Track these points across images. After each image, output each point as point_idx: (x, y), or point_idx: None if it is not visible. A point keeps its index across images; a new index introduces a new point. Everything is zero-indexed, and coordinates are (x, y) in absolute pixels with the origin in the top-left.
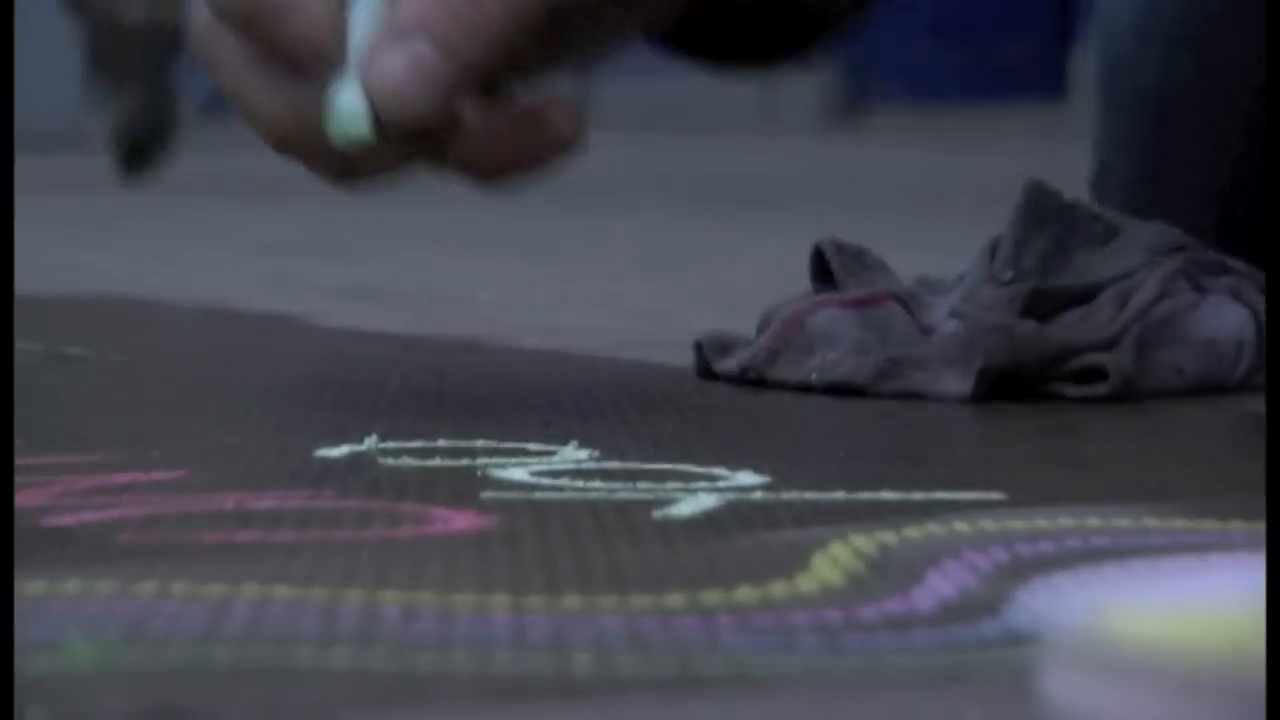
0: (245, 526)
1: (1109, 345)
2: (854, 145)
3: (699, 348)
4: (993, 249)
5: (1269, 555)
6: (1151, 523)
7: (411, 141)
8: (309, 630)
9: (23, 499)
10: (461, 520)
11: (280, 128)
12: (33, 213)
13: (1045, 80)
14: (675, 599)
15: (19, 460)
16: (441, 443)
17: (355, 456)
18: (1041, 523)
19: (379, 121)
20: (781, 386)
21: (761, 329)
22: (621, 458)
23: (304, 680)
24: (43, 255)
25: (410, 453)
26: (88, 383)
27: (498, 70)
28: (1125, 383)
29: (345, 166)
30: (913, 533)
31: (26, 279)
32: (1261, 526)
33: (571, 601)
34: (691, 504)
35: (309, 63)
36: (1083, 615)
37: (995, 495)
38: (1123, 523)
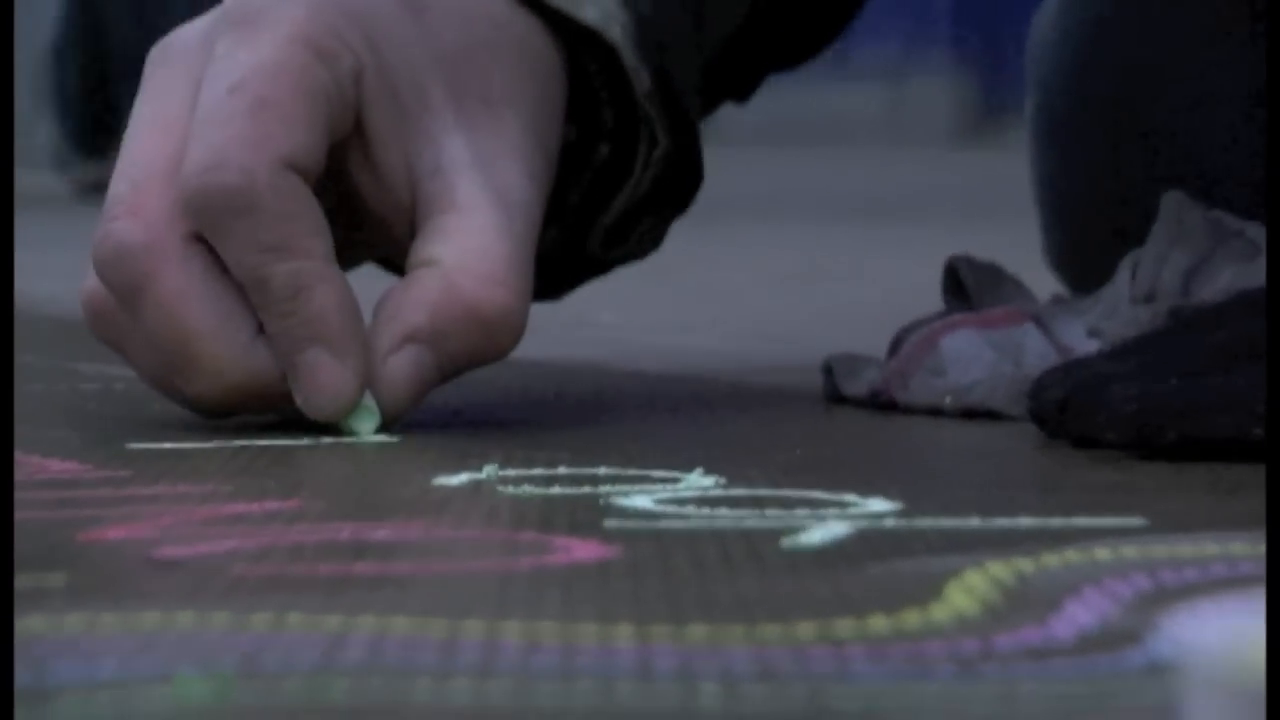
0: (361, 558)
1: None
2: (989, 157)
3: (828, 370)
4: (1133, 265)
5: (1269, 556)
6: None
7: None
8: (427, 663)
9: (134, 530)
10: (583, 549)
11: (229, 378)
12: None
13: None
14: (805, 629)
15: (131, 491)
16: (562, 470)
17: (474, 485)
18: (1185, 549)
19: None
20: (913, 410)
21: (893, 350)
22: (748, 484)
23: (422, 714)
24: None
25: (530, 480)
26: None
27: None
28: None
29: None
30: (1051, 560)
31: None
32: None
33: (698, 632)
34: (821, 532)
35: (325, 404)
36: (1228, 644)
37: (1136, 521)
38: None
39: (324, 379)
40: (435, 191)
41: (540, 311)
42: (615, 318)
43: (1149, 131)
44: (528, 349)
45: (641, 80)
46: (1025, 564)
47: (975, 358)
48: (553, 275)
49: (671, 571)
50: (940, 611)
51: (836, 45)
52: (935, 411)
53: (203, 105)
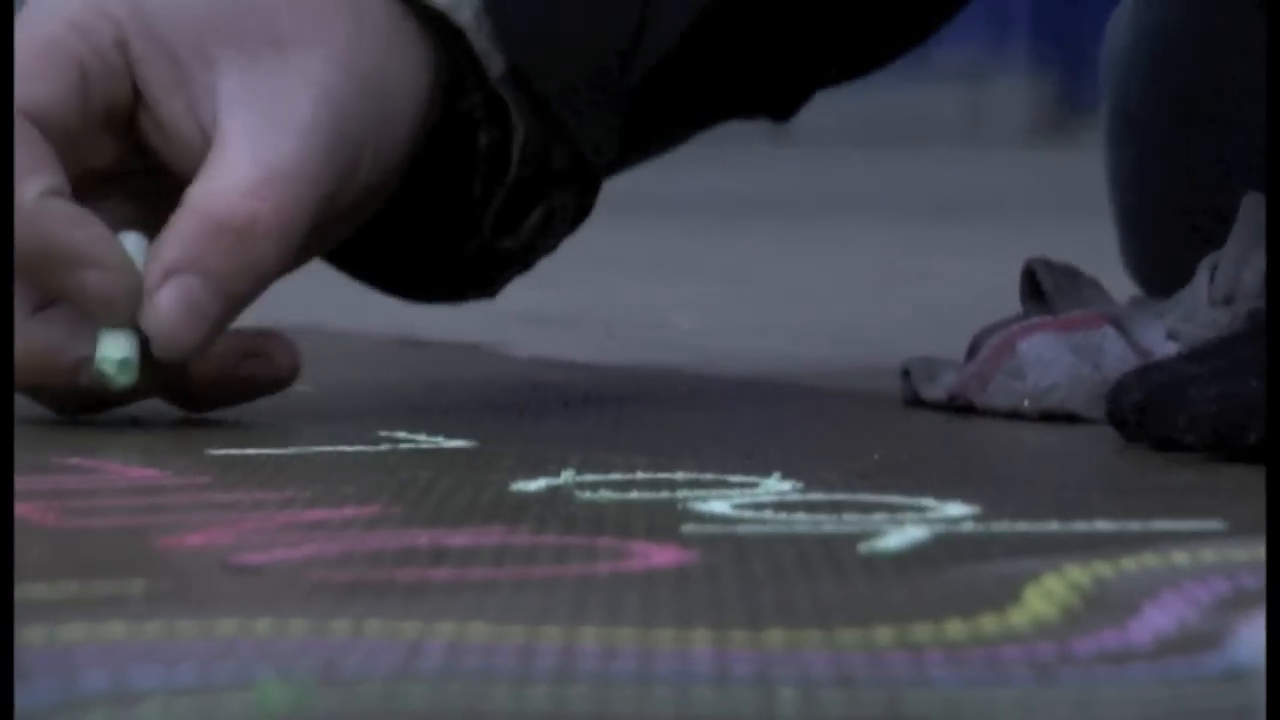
0: (439, 564)
1: None
2: (1068, 156)
3: (906, 374)
4: (1212, 267)
5: (1269, 556)
6: None
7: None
8: (505, 669)
9: (213, 537)
10: (661, 555)
11: (26, 366)
12: None
13: None
14: (882, 634)
15: (210, 497)
16: (640, 475)
17: (552, 490)
18: (1264, 552)
19: (148, 358)
20: (992, 413)
21: (971, 353)
22: (826, 489)
23: None
24: None
25: (608, 485)
26: (275, 417)
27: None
28: None
29: (81, 402)
30: (1129, 563)
31: None
32: None
33: (775, 637)
34: (899, 536)
35: (100, 313)
36: None
37: (1215, 524)
38: None
39: (95, 287)
40: (214, 136)
41: (618, 317)
42: (693, 322)
43: (1226, 133)
44: (606, 353)
45: (494, 64)
46: (1103, 568)
47: (1054, 361)
48: (481, 270)
49: (749, 577)
50: (1018, 616)
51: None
52: (1014, 415)
53: None
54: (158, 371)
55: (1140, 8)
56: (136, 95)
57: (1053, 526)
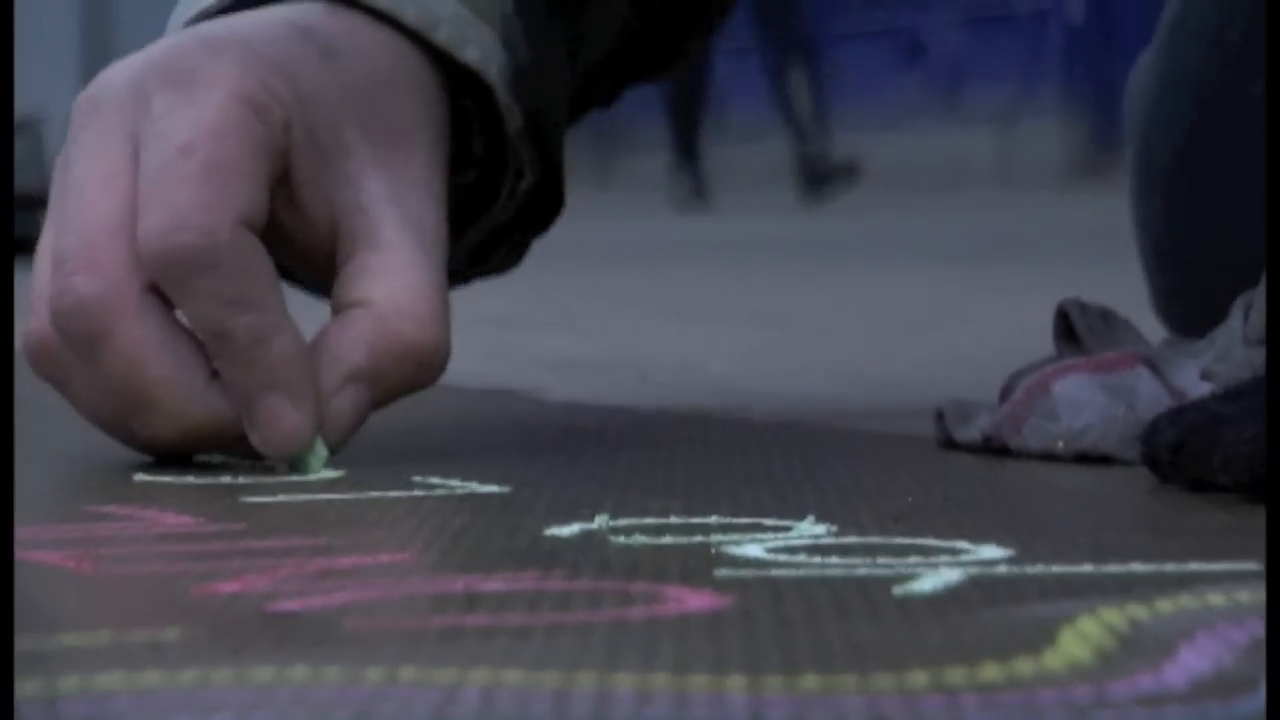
0: (474, 609)
1: None
2: (1101, 197)
3: (940, 416)
4: (1246, 307)
5: (1269, 557)
6: None
7: None
8: (540, 715)
9: (247, 584)
10: (696, 599)
11: (187, 420)
12: None
13: None
14: (918, 677)
15: (245, 544)
16: (674, 519)
17: (586, 535)
18: None
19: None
20: (1026, 455)
21: (1005, 395)
22: (860, 532)
23: None
24: None
25: (642, 530)
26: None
27: None
28: None
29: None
30: (1164, 605)
31: None
32: None
33: (810, 682)
34: (933, 579)
35: (278, 449)
36: None
37: (1251, 565)
38: None
39: (283, 423)
40: (356, 229)
41: (651, 361)
42: (726, 366)
43: (1251, 173)
44: (639, 397)
45: (514, 118)
46: (1138, 610)
47: (1088, 402)
48: None
49: (783, 621)
50: (1053, 659)
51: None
52: (1048, 456)
53: (152, 166)
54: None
55: (1163, 54)
56: (284, 174)
57: (1087, 569)
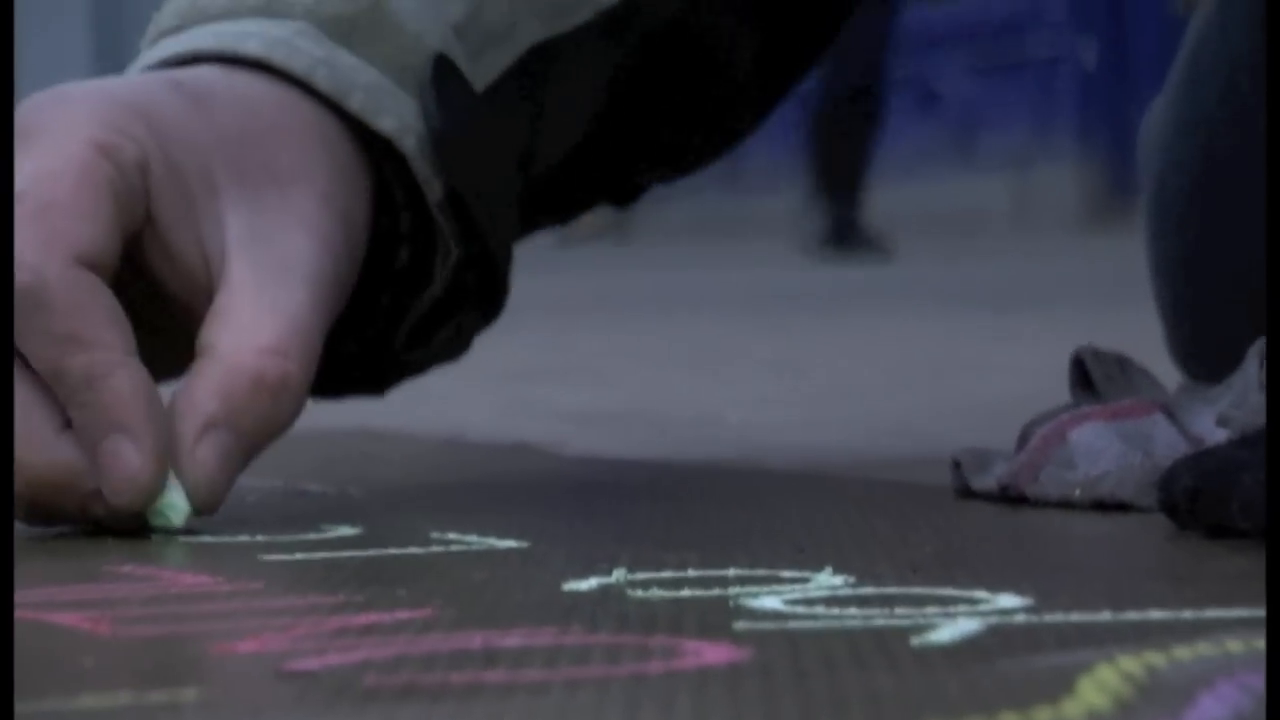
0: (492, 665)
1: None
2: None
3: (956, 465)
4: (1261, 352)
5: (1269, 561)
6: None
7: None
8: None
9: (266, 643)
10: (714, 653)
11: (35, 471)
12: None
13: None
14: None
15: (262, 603)
16: (691, 572)
17: (603, 589)
18: None
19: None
20: (1043, 503)
21: (1021, 443)
22: (878, 583)
23: None
24: None
25: (660, 583)
26: (326, 520)
27: None
28: None
29: (47, 516)
30: (1183, 653)
31: None
32: None
33: None
34: (951, 629)
35: (122, 491)
36: None
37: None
38: None
39: (123, 465)
40: (217, 271)
41: (667, 412)
42: (742, 417)
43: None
44: (655, 449)
45: (433, 190)
46: (1157, 657)
47: (1104, 449)
48: (372, 372)
49: (802, 673)
50: (1072, 707)
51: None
52: (1065, 504)
53: None
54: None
55: (1176, 99)
56: (147, 218)
57: (1105, 617)
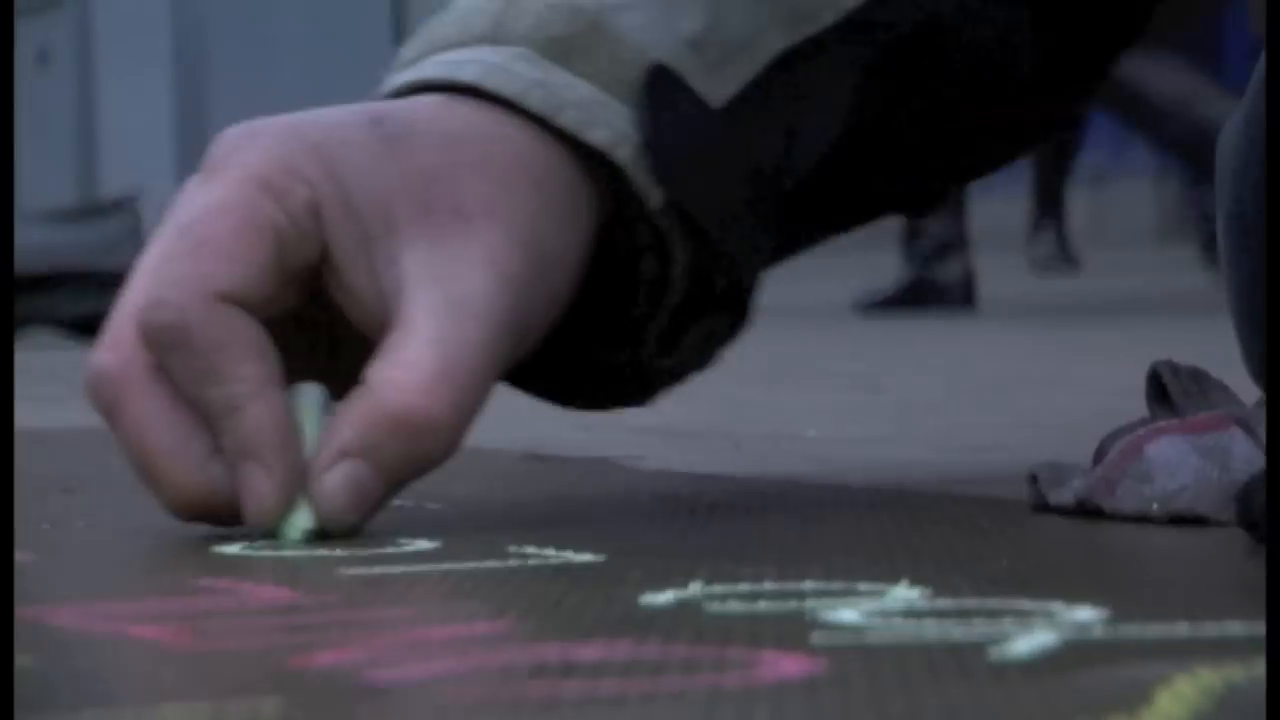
0: (569, 678)
1: None
2: (1193, 257)
3: (1033, 479)
4: None
5: (1269, 559)
6: None
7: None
8: None
9: (344, 655)
10: (791, 665)
11: (185, 491)
12: None
13: None
14: None
15: (341, 616)
16: (768, 585)
17: (680, 602)
18: None
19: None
20: (1120, 517)
21: (1098, 458)
22: (954, 596)
23: None
24: None
25: (736, 596)
26: (404, 533)
27: None
28: None
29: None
30: (1262, 666)
31: None
32: None
33: None
34: (1028, 642)
35: (252, 516)
36: None
37: None
38: None
39: (253, 491)
40: (392, 308)
41: (745, 427)
42: (819, 431)
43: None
44: (733, 464)
45: (654, 197)
46: (1235, 670)
47: (1181, 464)
48: (637, 382)
49: (878, 685)
50: None
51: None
52: (1143, 519)
53: (156, 247)
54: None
55: (1253, 115)
56: (323, 253)
57: (1183, 629)
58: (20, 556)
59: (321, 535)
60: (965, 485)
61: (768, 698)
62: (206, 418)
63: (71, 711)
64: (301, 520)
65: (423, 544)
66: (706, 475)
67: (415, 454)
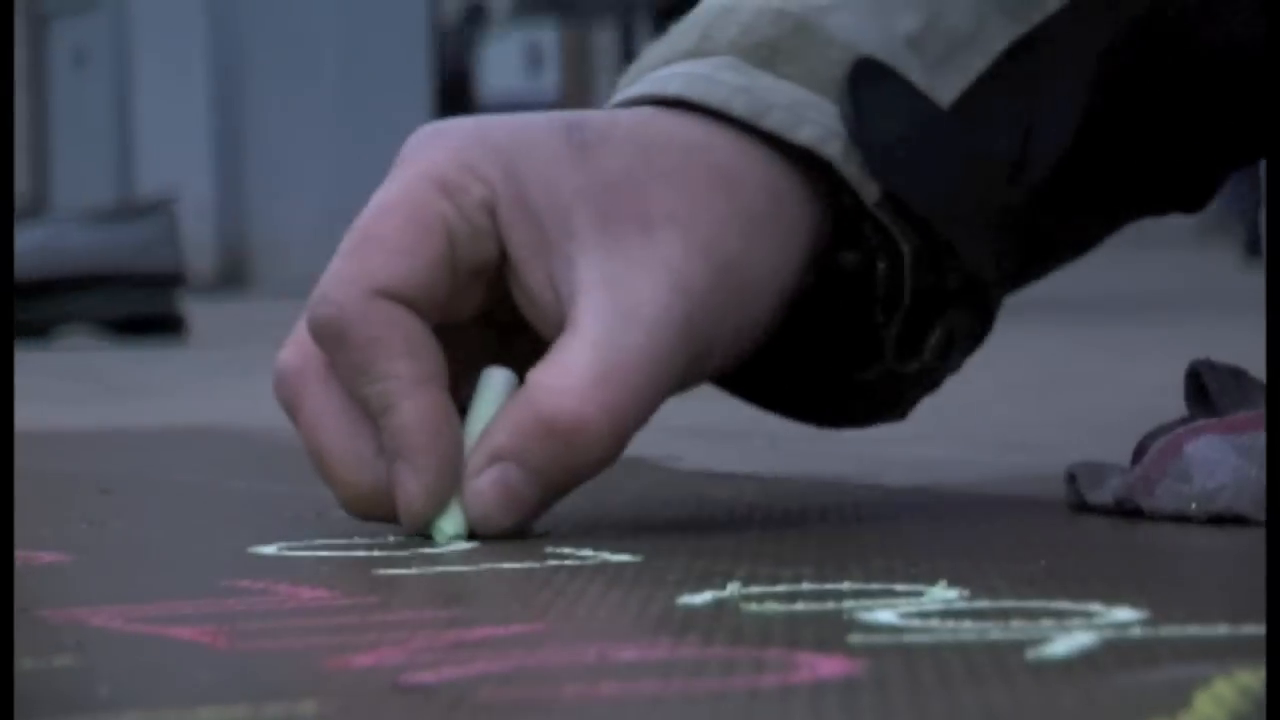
0: (607, 679)
1: None
2: (1232, 255)
3: (1072, 479)
4: None
5: (1269, 557)
6: None
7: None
8: None
9: (381, 657)
10: (828, 666)
11: (355, 489)
12: None
13: None
14: None
15: (378, 617)
16: (806, 586)
17: (718, 603)
18: None
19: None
20: (1159, 517)
21: (1137, 457)
22: (993, 596)
23: None
24: None
25: (774, 597)
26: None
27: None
28: None
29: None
30: None
31: None
32: None
33: None
34: (1066, 642)
35: (403, 514)
36: None
37: None
38: None
39: (402, 491)
40: (566, 312)
41: (781, 428)
42: (856, 431)
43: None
44: (770, 465)
45: (869, 192)
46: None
47: (1220, 463)
48: (888, 395)
49: (916, 686)
50: None
51: None
52: (1181, 518)
53: (342, 245)
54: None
55: None
56: (503, 253)
57: (1223, 630)
58: (58, 557)
59: (473, 538)
60: (1003, 485)
61: (805, 699)
62: (369, 415)
63: (110, 712)
64: (452, 524)
65: (460, 544)
66: (744, 475)
67: (567, 459)
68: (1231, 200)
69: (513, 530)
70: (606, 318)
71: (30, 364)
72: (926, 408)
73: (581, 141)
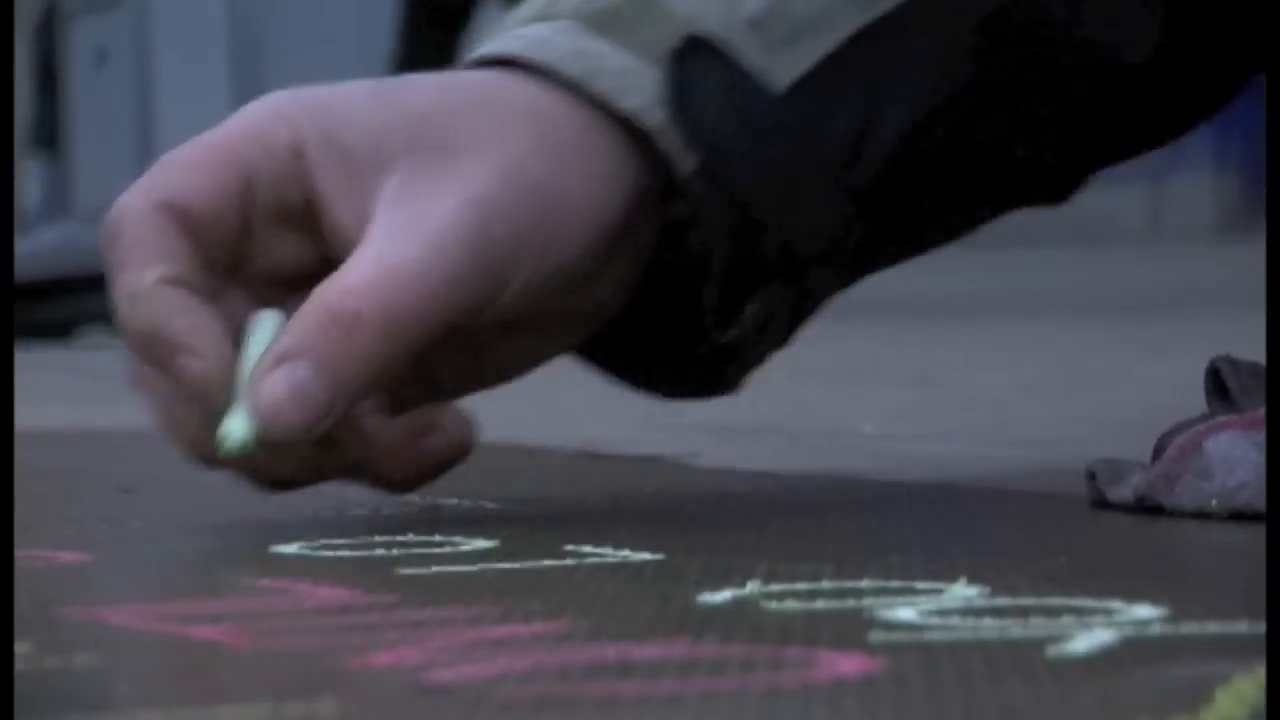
0: (627, 677)
1: None
2: (1253, 252)
3: (1092, 475)
4: None
5: (1269, 557)
6: None
7: (295, 453)
8: None
9: (402, 655)
10: (848, 663)
11: (200, 446)
12: None
13: None
14: None
15: (399, 616)
16: (825, 584)
17: (738, 601)
18: None
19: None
20: (1180, 514)
21: (1157, 454)
22: (1012, 594)
23: None
24: None
25: (794, 595)
26: (462, 533)
27: (401, 390)
28: None
29: (263, 476)
30: None
31: None
32: None
33: None
34: (1087, 640)
35: (199, 399)
36: None
37: None
38: None
39: (186, 375)
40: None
41: (801, 425)
42: (876, 428)
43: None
44: (789, 461)
45: (685, 162)
46: None
47: (1241, 459)
48: (715, 369)
49: (936, 684)
50: (1209, 718)
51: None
52: (1202, 515)
53: None
54: (333, 454)
55: None
56: (310, 196)
57: (1243, 627)
58: (79, 556)
59: (268, 449)
60: (1023, 482)
61: (825, 697)
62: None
63: (130, 711)
64: (239, 425)
65: (480, 543)
66: (763, 472)
67: (350, 351)
68: (1251, 198)
69: (304, 433)
70: (395, 227)
71: (51, 363)
72: (949, 404)
73: (388, 90)
